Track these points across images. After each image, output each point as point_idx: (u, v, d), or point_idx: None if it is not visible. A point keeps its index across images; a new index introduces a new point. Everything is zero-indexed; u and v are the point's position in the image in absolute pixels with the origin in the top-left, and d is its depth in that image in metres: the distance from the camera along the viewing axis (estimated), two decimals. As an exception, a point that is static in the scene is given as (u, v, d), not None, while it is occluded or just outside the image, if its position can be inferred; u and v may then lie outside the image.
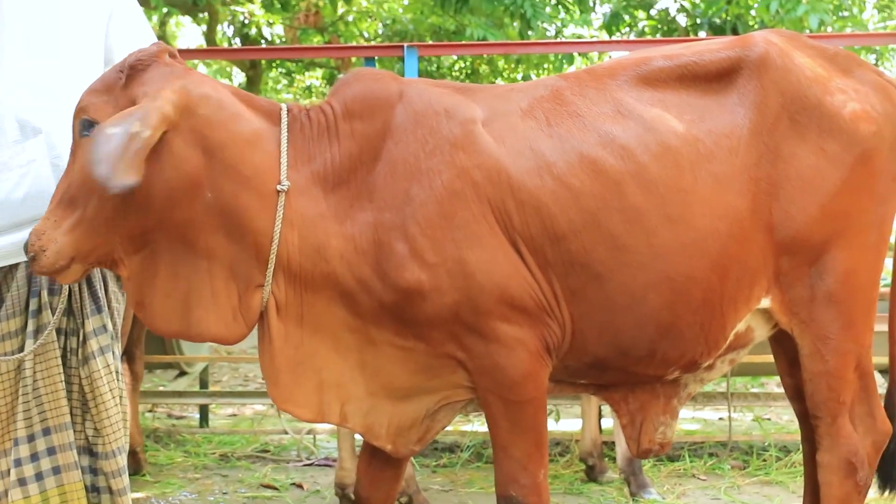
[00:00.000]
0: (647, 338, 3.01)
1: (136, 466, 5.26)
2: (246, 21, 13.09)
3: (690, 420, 6.88)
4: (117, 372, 3.08)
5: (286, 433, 6.15)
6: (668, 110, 3.02)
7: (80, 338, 3.02)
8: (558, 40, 10.35)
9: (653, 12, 11.96)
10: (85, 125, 2.73)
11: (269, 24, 13.27)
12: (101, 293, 3.05)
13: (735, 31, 10.05)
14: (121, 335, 4.55)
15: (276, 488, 5.21)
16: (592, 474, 5.28)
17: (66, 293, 3.00)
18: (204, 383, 6.89)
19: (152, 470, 5.49)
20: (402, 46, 5.62)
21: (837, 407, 3.14)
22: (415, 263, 2.84)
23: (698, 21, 11.08)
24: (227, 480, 5.39)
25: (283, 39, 13.29)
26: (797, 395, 3.33)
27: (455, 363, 2.97)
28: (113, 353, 3.07)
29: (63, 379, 3.00)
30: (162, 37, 13.16)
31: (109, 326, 3.06)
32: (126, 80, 2.77)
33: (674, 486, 5.16)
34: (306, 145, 2.91)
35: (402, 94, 2.99)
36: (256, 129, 2.87)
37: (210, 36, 12.67)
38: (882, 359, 5.50)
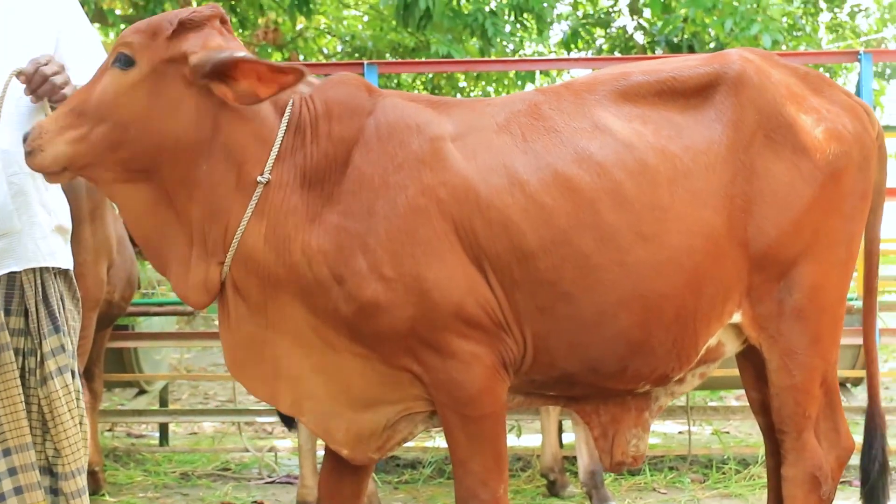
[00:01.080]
0: (617, 355, 3.02)
1: (95, 486, 5.19)
2: (205, 37, 13.01)
3: (651, 434, 6.91)
4: (77, 391, 3.05)
5: (247, 451, 6.12)
6: (647, 126, 3.04)
7: (39, 358, 2.99)
8: (517, 58, 10.39)
9: (611, 30, 12.06)
10: (120, 59, 2.86)
11: (229, 41, 13.19)
12: (58, 313, 3.03)
13: (692, 49, 10.16)
14: (80, 354, 4.53)
15: (237, 506, 5.18)
16: (554, 489, 5.30)
17: (23, 313, 2.98)
18: (164, 401, 6.85)
19: (112, 489, 5.43)
20: (363, 63, 5.64)
21: (803, 421, 3.17)
22: (373, 278, 2.86)
23: (655, 39, 11.19)
24: (187, 499, 5.35)
25: (243, 56, 13.21)
26: (763, 409, 3.36)
27: (412, 376, 2.99)
28: (72, 372, 3.04)
29: (23, 399, 2.97)
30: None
31: (68, 346, 3.04)
32: (173, 33, 2.86)
33: (635, 499, 5.19)
34: (294, 138, 2.95)
35: (377, 104, 3.02)
36: (263, 117, 2.93)
37: (168, 52, 12.55)
38: (844, 372, 5.58)
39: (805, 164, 3.06)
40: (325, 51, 13.54)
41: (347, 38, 13.20)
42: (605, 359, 3.03)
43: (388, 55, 11.95)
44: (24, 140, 2.86)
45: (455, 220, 2.89)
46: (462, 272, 2.89)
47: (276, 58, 12.91)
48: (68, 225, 3.13)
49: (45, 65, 2.88)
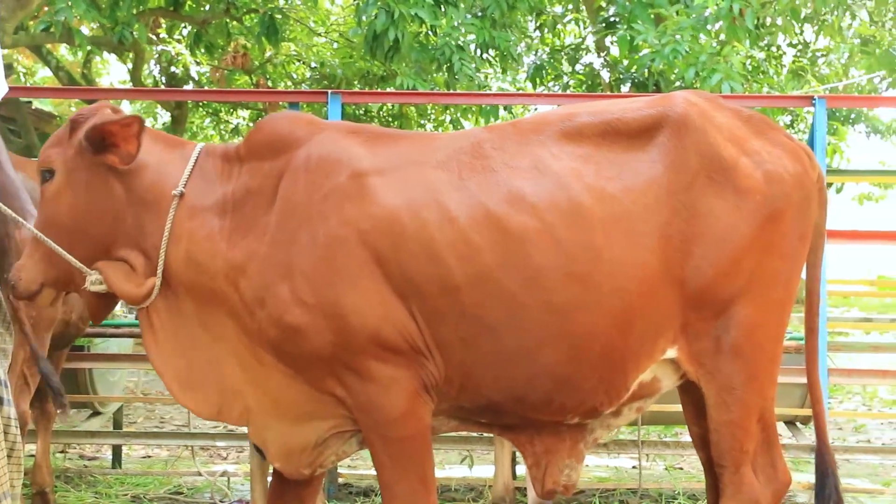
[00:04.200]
0: (542, 388, 3.08)
1: (44, 507, 5.16)
2: (173, 60, 13.04)
3: (604, 468, 6.96)
4: (7, 418, 3.03)
5: (200, 475, 6.10)
6: (587, 166, 3.09)
7: None
8: (480, 92, 10.46)
9: (578, 67, 12.17)
10: (44, 174, 3.20)
11: (197, 63, 13.24)
12: None
13: (658, 88, 10.28)
14: (32, 375, 4.49)
15: (187, 531, 5.15)
16: (505, 520, 5.31)
17: None
18: (118, 423, 6.80)
19: (61, 511, 5.39)
20: (327, 93, 5.68)
21: (740, 456, 3.22)
22: (294, 304, 2.98)
23: (622, 77, 11.31)
24: (138, 522, 5.31)
25: (210, 79, 13.24)
26: (704, 444, 3.41)
27: (336, 399, 3.08)
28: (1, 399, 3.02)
29: None
30: (87, 75, 13.02)
31: None
32: (69, 132, 3.18)
33: (584, 532, 5.21)
34: (209, 181, 3.18)
35: (310, 138, 3.15)
36: (163, 162, 3.21)
37: (136, 74, 12.58)
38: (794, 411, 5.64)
39: (745, 205, 3.11)
40: (294, 76, 13.58)
41: (316, 65, 13.24)
42: (529, 391, 3.09)
43: (356, 83, 12.00)
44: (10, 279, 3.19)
45: (378, 251, 2.99)
46: (379, 299, 2.98)
47: (245, 83, 12.94)
48: None
49: None
